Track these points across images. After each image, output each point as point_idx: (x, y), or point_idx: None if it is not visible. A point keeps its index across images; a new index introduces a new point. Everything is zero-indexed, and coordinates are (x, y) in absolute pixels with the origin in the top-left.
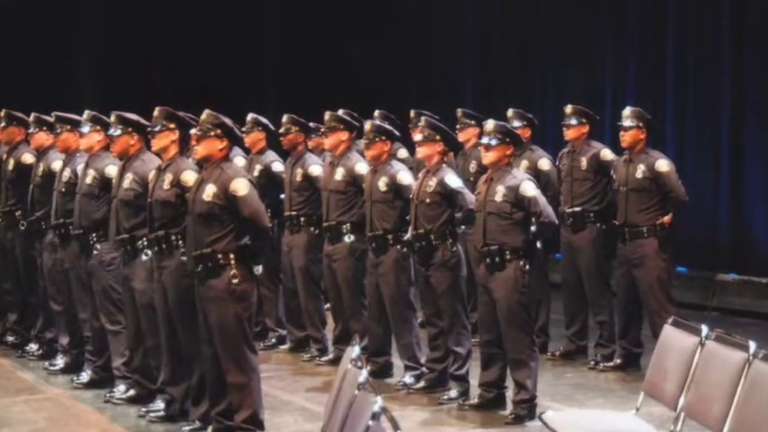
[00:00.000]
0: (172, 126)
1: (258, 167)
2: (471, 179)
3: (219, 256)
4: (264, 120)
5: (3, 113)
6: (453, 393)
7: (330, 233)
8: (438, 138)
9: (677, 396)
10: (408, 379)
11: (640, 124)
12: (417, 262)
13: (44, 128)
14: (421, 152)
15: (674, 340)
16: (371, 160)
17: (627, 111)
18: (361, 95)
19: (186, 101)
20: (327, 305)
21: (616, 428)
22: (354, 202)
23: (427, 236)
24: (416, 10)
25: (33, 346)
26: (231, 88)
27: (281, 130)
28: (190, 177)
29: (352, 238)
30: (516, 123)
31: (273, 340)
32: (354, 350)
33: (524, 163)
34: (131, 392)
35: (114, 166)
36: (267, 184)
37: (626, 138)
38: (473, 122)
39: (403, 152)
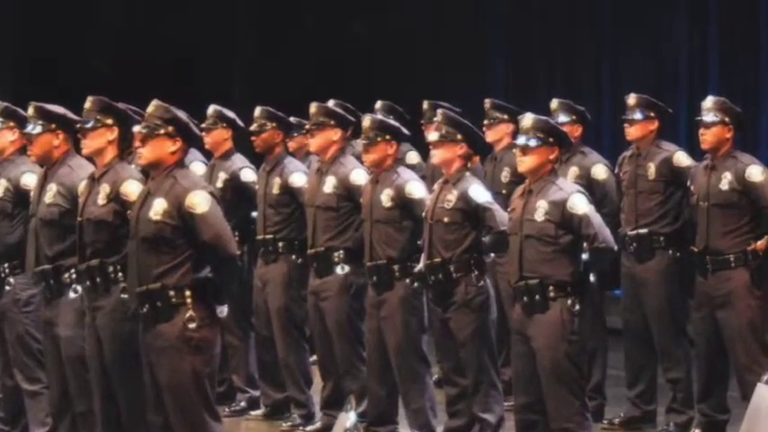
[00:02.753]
0: (109, 122)
1: (222, 176)
2: (503, 192)
3: (171, 293)
4: (230, 114)
5: None
6: None
7: (317, 263)
8: (459, 137)
9: None
10: None
11: (726, 119)
12: (432, 301)
13: None
14: (437, 156)
15: None
16: (372, 167)
17: (708, 102)
18: (357, 82)
19: (129, 89)
20: (314, 357)
21: None
22: (349, 223)
23: (445, 266)
24: None
25: None
26: (187, 73)
27: (253, 128)
28: (132, 189)
29: (347, 269)
30: (562, 118)
31: (243, 404)
32: (349, 417)
33: (573, 170)
34: None
35: (33, 174)
36: (234, 197)
37: (707, 137)
38: (506, 117)
39: (413, 156)
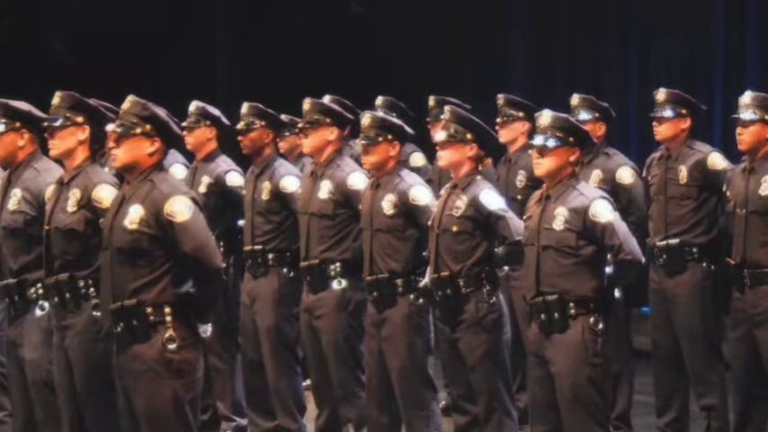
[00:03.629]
0: (79, 120)
1: (206, 180)
2: (518, 197)
3: (149, 310)
4: (215, 111)
5: None
6: None
7: (311, 277)
8: (469, 137)
9: None
10: None
11: (766, 117)
12: (439, 319)
13: None
14: (445, 158)
15: None
16: (372, 169)
17: (746, 97)
18: (356, 75)
19: (102, 83)
20: (307, 382)
21: None
22: (347, 232)
23: (454, 281)
24: None
25: None
26: (167, 66)
27: (240, 126)
28: (105, 195)
29: (344, 283)
30: (584, 115)
31: None
32: None
33: (596, 173)
34: None
35: None
36: (219, 204)
37: (745, 137)
38: (521, 114)
39: (418, 158)
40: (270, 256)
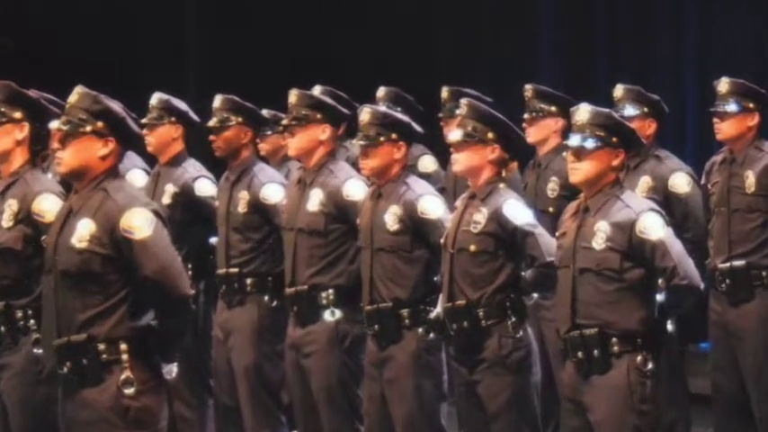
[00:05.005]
0: (16, 116)
1: (170, 189)
2: (550, 210)
3: (102, 347)
4: (181, 104)
5: None
6: None
7: (299, 306)
8: (491, 136)
9: None
10: None
11: None
12: (454, 358)
13: None
14: (461, 162)
15: None
16: (372, 176)
17: None
18: (353, 61)
19: (45, 73)
20: None
21: None
22: (342, 252)
23: (472, 311)
24: None
25: None
26: (123, 50)
27: (212, 123)
28: (48, 207)
29: (338, 314)
30: (630, 110)
31: None
32: None
33: (645, 180)
34: None
35: None
36: (187, 217)
37: None
38: (553, 109)
39: (428, 161)
40: (248, 280)
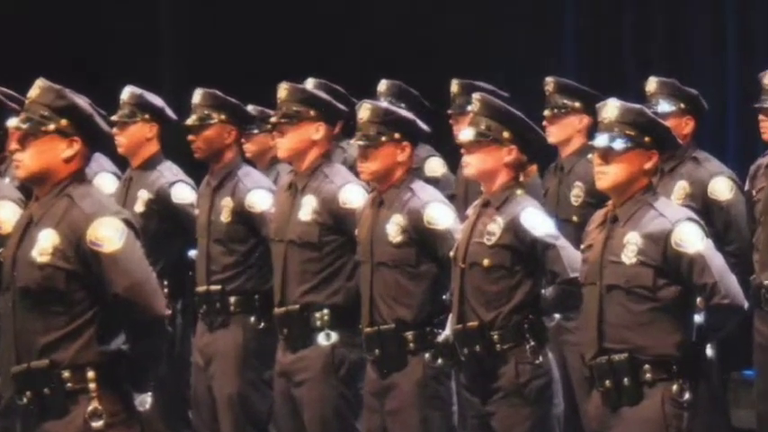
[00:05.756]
0: None
1: (144, 195)
2: (574, 219)
3: (66, 374)
4: (156, 100)
5: None
6: None
7: (290, 328)
8: (507, 136)
9: None
10: None
11: None
12: (465, 387)
13: None
14: (473, 165)
15: None
16: (373, 181)
17: None
18: (350, 50)
19: (2, 64)
20: None
21: None
22: (338, 267)
23: (485, 334)
24: None
25: None
26: (90, 38)
27: (191, 121)
28: (6, 215)
29: (334, 337)
30: (664, 107)
31: None
32: None
33: (681, 186)
34: None
35: None
36: (162, 228)
37: None
38: (577, 105)
39: (436, 164)
40: (232, 299)
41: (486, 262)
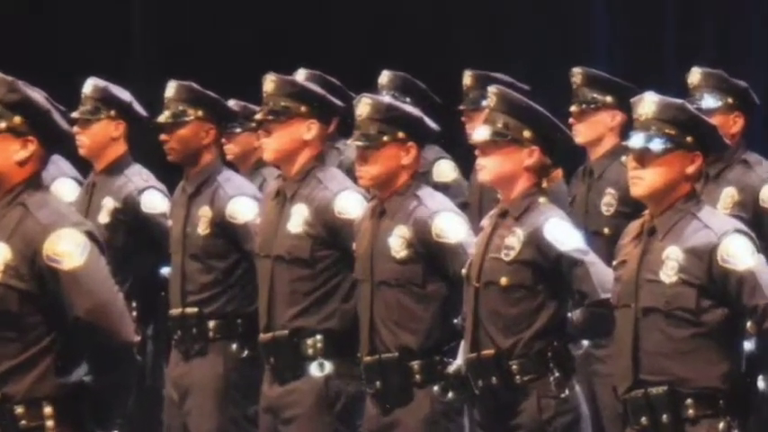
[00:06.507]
0: None
1: (110, 204)
2: (605, 231)
3: (19, 410)
4: (123, 94)
5: None
6: None
7: (277, 357)
8: (528, 135)
9: None
10: None
11: None
12: (480, 424)
13: None
14: (489, 168)
15: None
16: (373, 186)
17: None
18: (348, 38)
19: None
20: None
21: None
22: (333, 286)
23: (503, 364)
24: None
25: None
26: (48, 24)
27: (164, 118)
28: None
29: (328, 368)
30: (709, 102)
31: None
32: None
33: (729, 193)
34: None
35: None
36: (130, 241)
37: None
38: (609, 99)
39: (446, 168)
40: (211, 323)
41: (503, 281)
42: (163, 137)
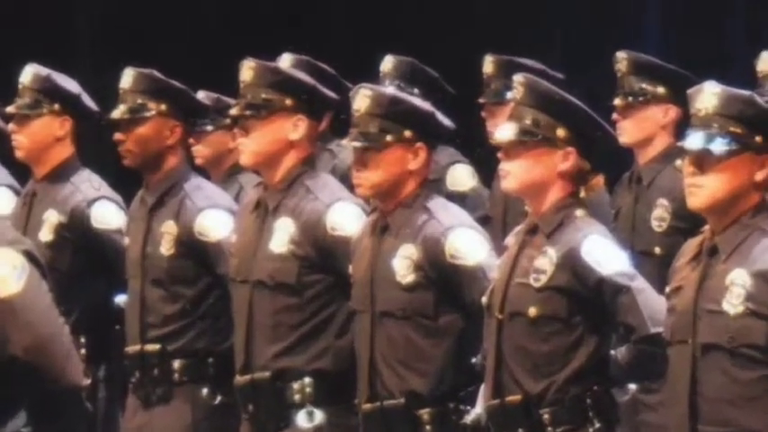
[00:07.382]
0: None
1: (53, 218)
2: (657, 251)
3: None
4: (70, 84)
5: None
6: None
7: (257, 404)
8: (562, 134)
9: None
10: None
11: None
12: None
13: None
14: (516, 174)
15: None
16: (374, 196)
17: None
18: (345, 19)
19: None
20: None
21: None
22: (324, 318)
23: (531, 411)
24: None
25: None
26: None
27: (118, 114)
28: None
29: (318, 418)
30: None
31: None
32: None
33: None
34: None
35: None
36: (79, 263)
37: None
38: (660, 90)
39: (462, 174)
40: (176, 364)
41: (532, 311)
42: (118, 136)
